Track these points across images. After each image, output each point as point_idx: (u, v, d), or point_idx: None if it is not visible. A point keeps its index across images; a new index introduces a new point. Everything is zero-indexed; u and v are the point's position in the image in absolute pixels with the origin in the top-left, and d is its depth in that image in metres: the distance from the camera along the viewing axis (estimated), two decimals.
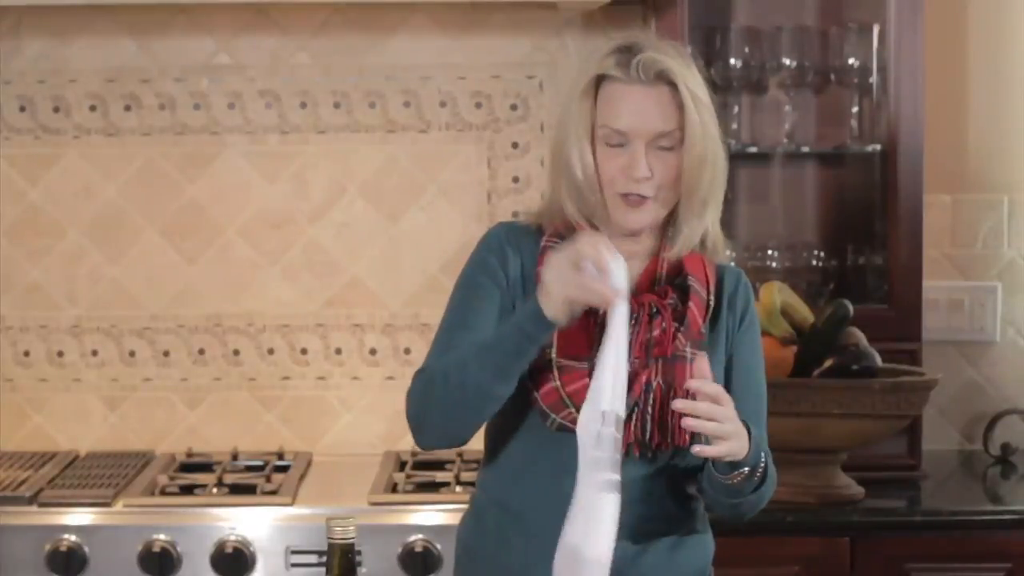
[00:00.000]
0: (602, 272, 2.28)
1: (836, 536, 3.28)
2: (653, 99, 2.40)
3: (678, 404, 2.31)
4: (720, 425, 2.30)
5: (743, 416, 2.42)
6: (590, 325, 2.40)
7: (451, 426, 2.43)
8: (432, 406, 2.43)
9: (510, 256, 2.49)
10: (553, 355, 2.41)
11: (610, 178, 2.42)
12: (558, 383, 2.41)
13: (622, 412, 2.31)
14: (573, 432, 2.34)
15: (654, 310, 2.42)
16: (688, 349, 2.43)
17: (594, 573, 2.28)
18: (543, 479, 2.44)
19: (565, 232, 2.48)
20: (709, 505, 2.52)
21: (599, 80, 2.43)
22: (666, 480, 2.47)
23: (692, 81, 2.42)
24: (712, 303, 2.48)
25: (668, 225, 2.48)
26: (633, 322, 2.37)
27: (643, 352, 2.41)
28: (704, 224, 2.47)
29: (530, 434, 2.45)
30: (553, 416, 2.41)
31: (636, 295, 2.42)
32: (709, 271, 2.49)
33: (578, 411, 2.34)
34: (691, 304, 2.43)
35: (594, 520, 2.28)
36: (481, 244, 2.54)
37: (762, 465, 2.41)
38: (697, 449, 2.32)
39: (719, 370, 2.48)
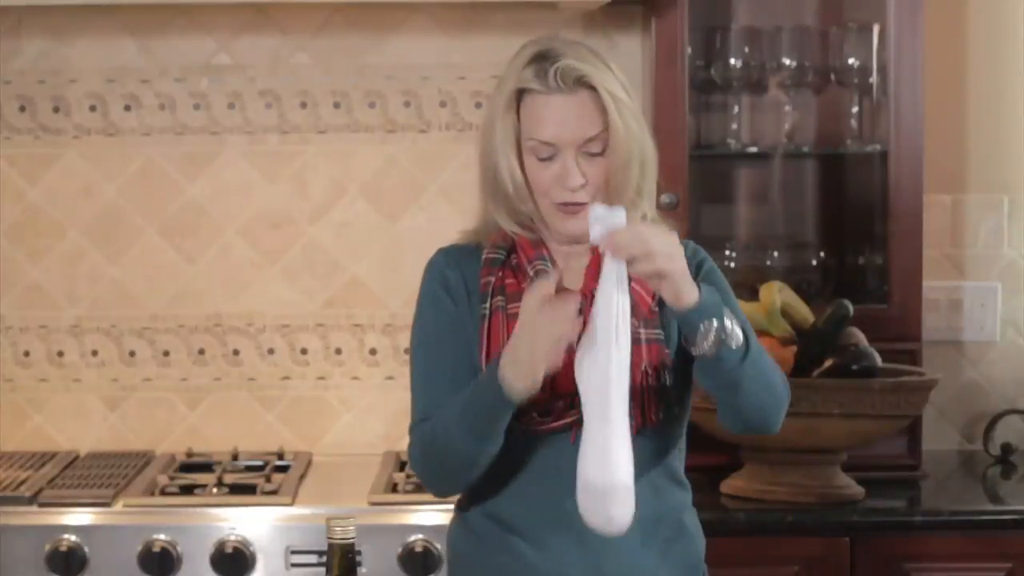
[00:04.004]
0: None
1: (836, 536, 3.27)
2: (575, 106, 2.41)
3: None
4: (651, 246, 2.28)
5: None
6: None
7: (457, 482, 2.50)
8: (433, 468, 2.49)
9: (452, 278, 2.52)
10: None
11: (545, 189, 2.44)
12: None
13: (626, 349, 2.30)
14: (541, 435, 2.41)
15: None
16: (641, 329, 2.42)
17: (620, 498, 2.29)
18: (522, 483, 2.46)
19: (503, 243, 2.50)
20: (723, 414, 2.48)
21: (519, 93, 2.44)
22: (644, 470, 2.43)
23: (611, 83, 2.42)
24: None
25: None
26: (580, 317, 2.35)
27: None
28: (640, 211, 2.47)
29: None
30: (514, 423, 2.41)
31: (582, 289, 2.42)
32: None
33: (540, 415, 2.39)
34: (634, 285, 2.40)
35: (606, 449, 2.28)
36: (425, 279, 2.55)
37: (729, 324, 2.35)
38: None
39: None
